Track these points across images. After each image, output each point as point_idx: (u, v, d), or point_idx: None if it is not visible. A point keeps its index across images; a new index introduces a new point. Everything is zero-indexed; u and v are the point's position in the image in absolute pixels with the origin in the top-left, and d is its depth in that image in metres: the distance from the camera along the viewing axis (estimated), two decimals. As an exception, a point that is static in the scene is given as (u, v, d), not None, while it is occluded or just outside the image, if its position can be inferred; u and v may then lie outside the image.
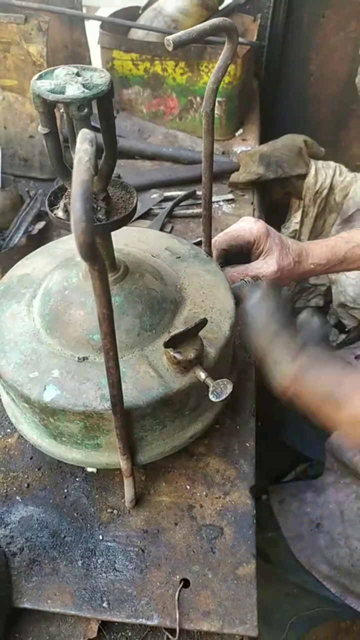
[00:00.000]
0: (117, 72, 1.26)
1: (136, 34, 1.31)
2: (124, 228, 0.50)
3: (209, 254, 0.70)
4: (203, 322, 0.52)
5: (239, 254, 0.83)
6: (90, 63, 1.26)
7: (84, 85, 0.42)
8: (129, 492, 0.57)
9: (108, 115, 0.45)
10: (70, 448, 0.57)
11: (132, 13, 1.37)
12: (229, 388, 0.51)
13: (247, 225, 0.83)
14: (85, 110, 0.41)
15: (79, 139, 0.32)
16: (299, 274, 0.87)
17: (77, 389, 0.52)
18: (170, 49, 0.46)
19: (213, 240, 0.75)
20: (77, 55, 1.24)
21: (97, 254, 0.32)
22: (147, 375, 0.53)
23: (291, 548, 0.88)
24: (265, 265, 0.81)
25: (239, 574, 0.54)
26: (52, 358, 0.54)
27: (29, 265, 0.66)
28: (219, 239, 0.81)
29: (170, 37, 0.46)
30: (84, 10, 1.34)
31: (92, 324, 0.54)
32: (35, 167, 1.13)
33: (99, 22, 1.25)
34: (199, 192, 1.08)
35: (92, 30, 1.30)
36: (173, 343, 0.51)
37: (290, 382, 0.55)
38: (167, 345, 0.51)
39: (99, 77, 0.43)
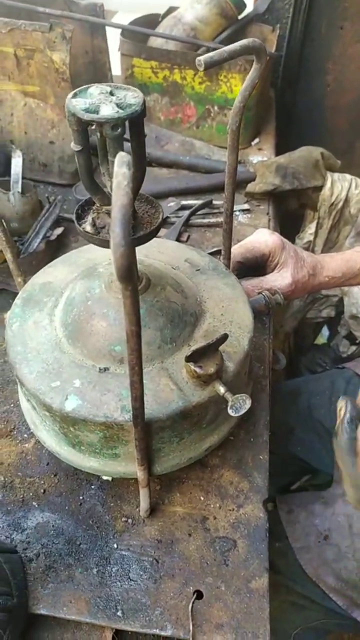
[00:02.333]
0: (136, 79, 1.28)
1: (155, 42, 1.32)
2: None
3: (228, 266, 0.71)
4: (224, 338, 0.53)
5: (254, 266, 0.83)
6: (110, 69, 1.26)
7: (117, 105, 0.42)
8: (144, 502, 0.58)
9: (139, 133, 0.45)
10: (89, 457, 0.57)
11: (152, 20, 1.38)
12: (247, 403, 0.52)
13: (262, 237, 0.83)
14: (119, 130, 0.41)
15: (116, 162, 0.33)
16: (313, 286, 0.88)
17: (99, 400, 0.52)
18: (201, 69, 0.47)
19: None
20: (98, 61, 1.24)
21: (133, 275, 0.32)
22: (167, 387, 0.54)
23: (298, 559, 0.89)
24: (280, 278, 0.82)
25: (252, 588, 0.55)
26: (73, 368, 0.55)
27: (51, 273, 0.67)
28: (234, 251, 0.82)
29: (201, 58, 0.47)
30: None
31: (114, 335, 0.55)
32: (54, 173, 1.14)
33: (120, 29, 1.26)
34: (215, 202, 1.09)
35: (112, 36, 1.31)
36: (194, 357, 0.52)
37: None
38: (188, 359, 0.52)
39: (133, 97, 0.44)
